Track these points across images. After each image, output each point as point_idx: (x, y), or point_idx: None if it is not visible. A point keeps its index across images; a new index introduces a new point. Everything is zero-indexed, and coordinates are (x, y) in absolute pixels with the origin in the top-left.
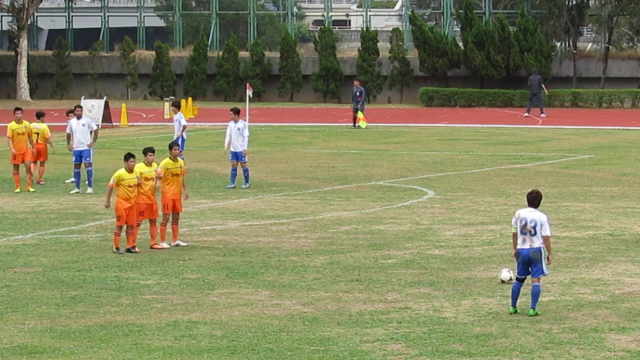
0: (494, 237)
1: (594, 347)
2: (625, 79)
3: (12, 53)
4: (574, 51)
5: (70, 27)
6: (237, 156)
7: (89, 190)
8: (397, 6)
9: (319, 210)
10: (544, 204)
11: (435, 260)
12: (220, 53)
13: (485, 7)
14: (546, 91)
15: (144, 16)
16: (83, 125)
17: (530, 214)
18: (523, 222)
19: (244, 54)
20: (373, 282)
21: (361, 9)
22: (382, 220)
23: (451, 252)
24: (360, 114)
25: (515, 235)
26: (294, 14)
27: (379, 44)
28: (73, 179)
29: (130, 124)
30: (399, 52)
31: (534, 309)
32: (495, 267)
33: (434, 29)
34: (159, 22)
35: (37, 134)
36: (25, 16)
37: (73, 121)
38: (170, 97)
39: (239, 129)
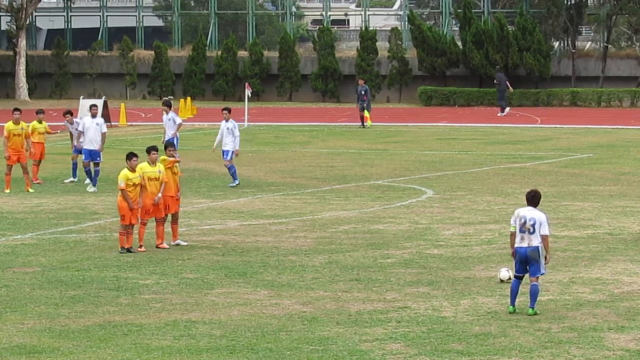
0: (493, 237)
1: (593, 346)
2: (624, 78)
3: (11, 53)
4: (573, 50)
5: (69, 26)
6: (227, 155)
7: (92, 189)
8: (396, 5)
9: (317, 209)
10: (543, 203)
11: (434, 259)
12: (219, 53)
13: (483, 6)
14: (511, 89)
15: (142, 16)
16: (97, 124)
17: (529, 213)
18: (522, 220)
19: (242, 53)
20: (372, 281)
21: (360, 9)
22: (381, 219)
23: (450, 252)
24: (366, 113)
25: (513, 235)
26: (293, 14)
27: (377, 44)
28: (72, 179)
29: (129, 123)
30: (397, 51)
31: (532, 308)
32: (494, 266)
33: (433, 29)
34: (158, 22)
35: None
36: (23, 16)
37: (87, 119)
38: (169, 97)
39: (228, 128)
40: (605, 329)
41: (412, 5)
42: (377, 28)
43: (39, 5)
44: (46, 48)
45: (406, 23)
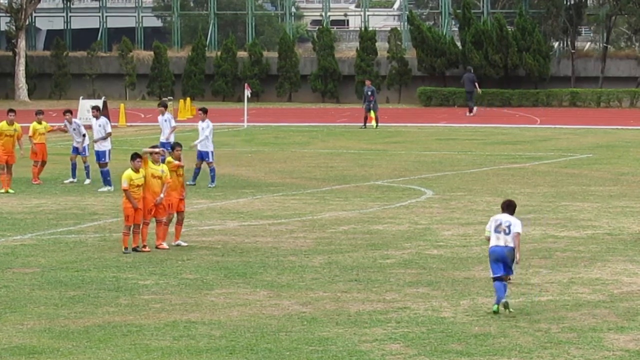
0: None
1: (592, 347)
2: (623, 78)
3: (10, 53)
4: (572, 51)
5: (69, 27)
6: (201, 155)
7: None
8: (396, 6)
9: (317, 210)
10: (542, 203)
11: (433, 260)
12: (219, 53)
13: (483, 6)
14: (479, 90)
15: (142, 16)
16: (99, 126)
17: (504, 217)
18: (498, 222)
19: (242, 54)
20: (372, 282)
21: (359, 9)
22: (381, 220)
23: (450, 252)
24: (372, 114)
25: (488, 239)
26: (292, 14)
27: (377, 44)
28: (72, 179)
29: (128, 124)
30: (397, 51)
31: (497, 304)
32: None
33: (432, 29)
34: (157, 23)
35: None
36: (23, 16)
37: (94, 121)
38: (169, 97)
39: (202, 128)
40: (604, 329)
41: (412, 5)
42: (377, 28)
43: (39, 6)
44: (45, 49)
45: (405, 23)
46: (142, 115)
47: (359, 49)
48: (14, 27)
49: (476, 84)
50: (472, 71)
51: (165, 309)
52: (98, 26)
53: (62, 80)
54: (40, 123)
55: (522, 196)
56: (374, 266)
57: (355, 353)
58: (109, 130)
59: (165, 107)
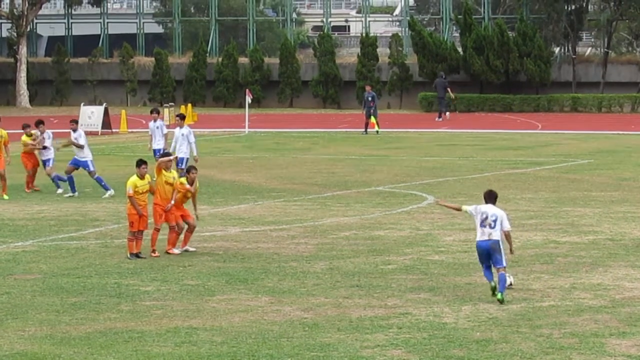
0: None
1: (594, 352)
2: (624, 83)
3: (12, 60)
4: (573, 56)
5: (70, 33)
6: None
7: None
8: (397, 12)
9: (318, 216)
10: (544, 208)
11: (435, 265)
12: (220, 59)
13: (484, 12)
14: (452, 95)
15: (143, 22)
16: (75, 138)
17: (491, 209)
18: (484, 216)
19: (243, 60)
20: (373, 287)
21: (360, 15)
22: (382, 225)
23: (451, 258)
24: (373, 119)
25: (459, 210)
26: (293, 20)
27: (378, 50)
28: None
29: (129, 130)
30: (398, 57)
31: (502, 293)
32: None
33: (433, 35)
34: (158, 29)
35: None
36: (24, 23)
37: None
38: (170, 104)
39: (183, 134)
40: (606, 334)
41: (413, 11)
42: (378, 34)
43: (40, 12)
44: (47, 55)
45: (407, 29)
46: (144, 122)
47: (360, 54)
48: (15, 34)
49: (448, 89)
50: (443, 77)
51: (166, 315)
52: (99, 32)
53: (64, 87)
54: (29, 136)
55: (524, 201)
56: (375, 272)
57: (356, 359)
58: (82, 142)
59: (158, 113)
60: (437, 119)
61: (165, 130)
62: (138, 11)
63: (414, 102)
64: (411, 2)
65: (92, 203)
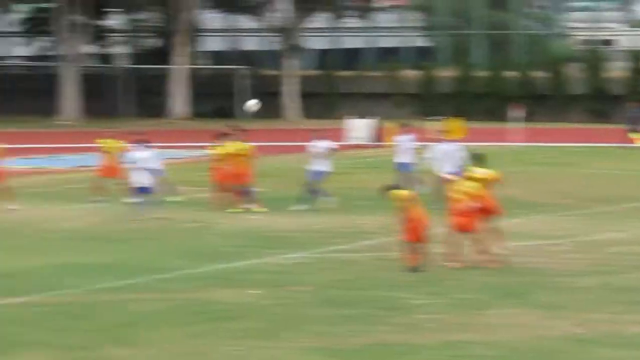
0: None
1: None
2: None
3: (280, 73)
4: None
5: (337, 47)
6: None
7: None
8: None
9: (590, 230)
10: None
11: None
12: (486, 73)
13: None
14: None
15: (409, 36)
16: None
17: None
18: None
19: (510, 73)
20: None
21: (631, 29)
22: None
23: None
24: (636, 135)
25: None
26: (561, 34)
27: None
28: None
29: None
30: None
31: None
32: None
33: None
34: (424, 42)
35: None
36: (291, 36)
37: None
38: (436, 117)
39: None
40: None
41: None
42: None
43: (307, 25)
44: (314, 68)
45: None
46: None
47: (630, 68)
48: (286, 47)
49: None
50: None
51: (440, 328)
52: (364, 45)
53: (333, 100)
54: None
55: None
56: None
57: None
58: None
59: (408, 126)
60: None
61: (412, 144)
62: (404, 25)
63: None
64: None
65: (359, 215)
